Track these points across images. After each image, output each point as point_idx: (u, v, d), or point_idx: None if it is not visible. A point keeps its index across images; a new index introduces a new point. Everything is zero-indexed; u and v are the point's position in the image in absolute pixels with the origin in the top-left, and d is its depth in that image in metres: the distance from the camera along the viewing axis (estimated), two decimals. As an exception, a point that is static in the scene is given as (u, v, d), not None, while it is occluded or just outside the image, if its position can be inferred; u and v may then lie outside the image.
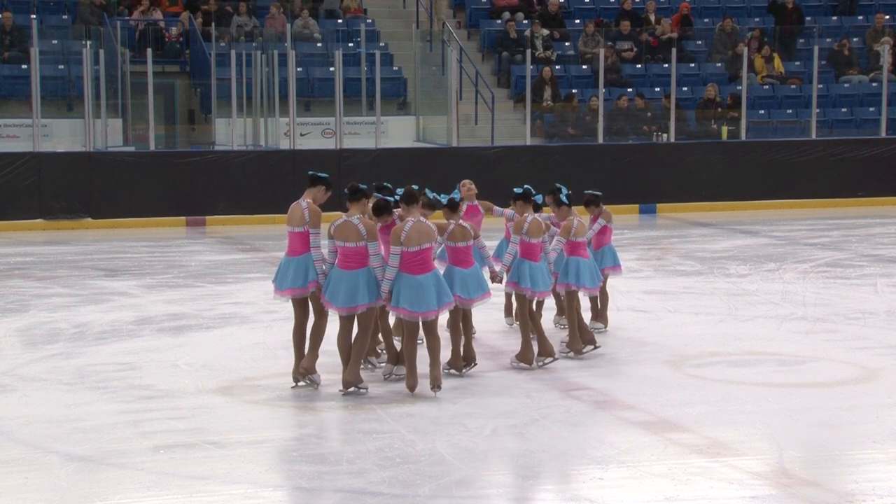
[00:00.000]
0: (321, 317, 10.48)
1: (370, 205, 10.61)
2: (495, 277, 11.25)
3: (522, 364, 11.25)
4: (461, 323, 10.91)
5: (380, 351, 11.36)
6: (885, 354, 11.93)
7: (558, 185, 12.06)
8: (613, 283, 13.42)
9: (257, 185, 22.27)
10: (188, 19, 26.29)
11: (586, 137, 24.87)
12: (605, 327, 12.79)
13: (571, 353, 11.64)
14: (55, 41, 24.70)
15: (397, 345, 11.02)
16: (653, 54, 27.46)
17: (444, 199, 10.95)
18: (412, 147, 24.59)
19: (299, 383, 10.56)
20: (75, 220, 21.64)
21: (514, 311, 12.83)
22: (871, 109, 26.54)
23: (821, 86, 26.14)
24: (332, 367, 10.65)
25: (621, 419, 9.74)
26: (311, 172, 10.66)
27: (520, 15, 28.47)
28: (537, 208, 11.61)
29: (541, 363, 11.28)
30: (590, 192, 12.53)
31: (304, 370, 10.48)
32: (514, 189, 11.54)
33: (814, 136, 25.10)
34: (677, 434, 9.27)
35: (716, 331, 13.09)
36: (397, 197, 10.85)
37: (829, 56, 28.05)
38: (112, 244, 19.87)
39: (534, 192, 11.49)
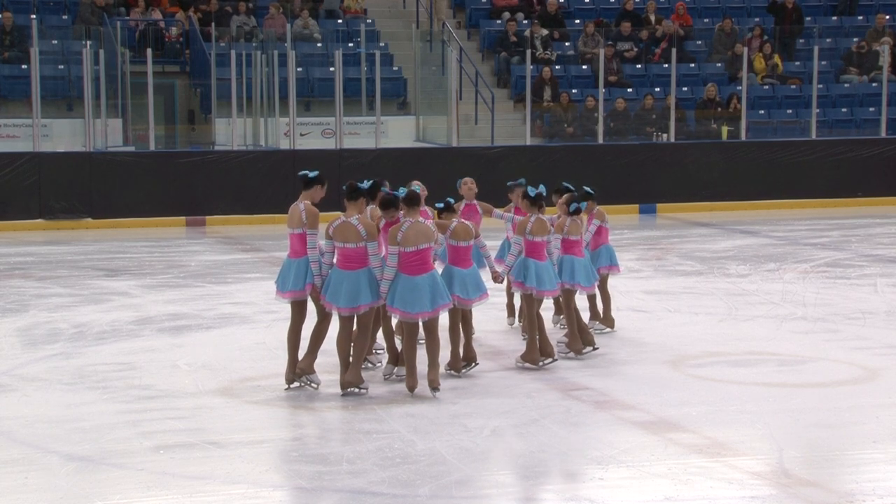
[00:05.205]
0: (324, 319, 10.46)
1: (377, 200, 10.60)
2: (497, 278, 11.20)
3: (528, 364, 11.23)
4: (460, 323, 10.91)
5: (374, 351, 11.35)
6: (885, 354, 11.93)
7: (564, 184, 12.06)
8: (613, 283, 13.41)
9: (257, 185, 22.28)
10: (187, 19, 26.27)
11: (586, 137, 24.88)
12: (613, 328, 12.77)
13: (571, 353, 11.64)
14: (55, 41, 24.69)
15: (398, 345, 11.02)
16: (655, 55, 27.45)
17: (440, 204, 10.92)
18: (412, 147, 24.58)
19: (292, 385, 10.54)
20: (75, 220, 21.64)
21: (516, 312, 12.85)
22: (871, 109, 26.53)
23: (821, 86, 26.13)
24: (330, 368, 10.65)
25: (621, 419, 9.74)
26: (301, 174, 10.57)
27: (520, 15, 28.46)
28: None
29: (541, 363, 11.28)
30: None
31: (302, 371, 10.46)
32: (528, 189, 11.35)
33: (814, 137, 25.10)
34: (677, 434, 9.27)
35: (716, 331, 13.09)
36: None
37: (845, 56, 28.06)
38: (112, 244, 19.86)
39: (543, 196, 11.45)
